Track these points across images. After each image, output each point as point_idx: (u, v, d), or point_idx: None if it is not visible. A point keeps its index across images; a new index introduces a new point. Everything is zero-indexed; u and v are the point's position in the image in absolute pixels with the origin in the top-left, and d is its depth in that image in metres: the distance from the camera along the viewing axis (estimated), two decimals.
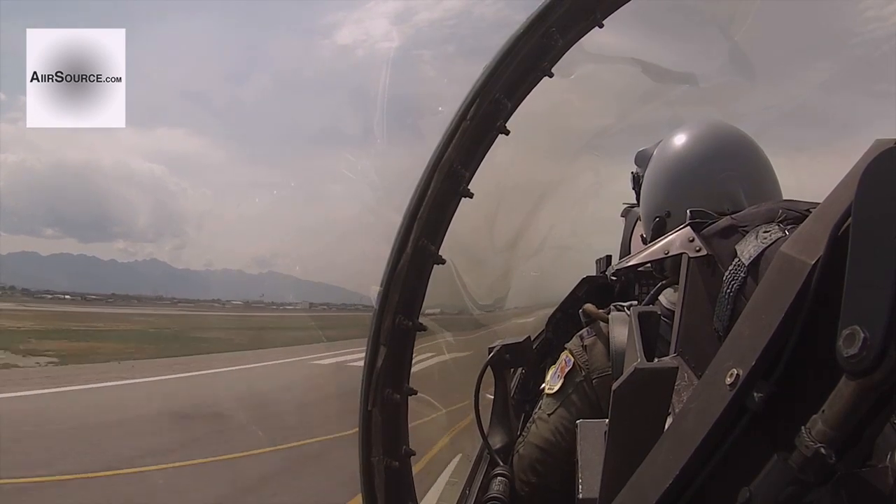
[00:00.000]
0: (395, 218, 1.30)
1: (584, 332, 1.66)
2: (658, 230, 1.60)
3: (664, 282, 1.60)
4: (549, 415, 1.60)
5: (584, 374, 1.57)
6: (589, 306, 1.70)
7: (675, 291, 1.48)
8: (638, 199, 1.93)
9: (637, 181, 2.10)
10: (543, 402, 1.66)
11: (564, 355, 1.65)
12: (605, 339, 1.57)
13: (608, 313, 1.60)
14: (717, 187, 1.52)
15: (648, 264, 1.71)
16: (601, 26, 1.23)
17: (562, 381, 1.61)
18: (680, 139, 1.64)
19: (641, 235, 1.79)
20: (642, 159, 1.91)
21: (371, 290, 1.30)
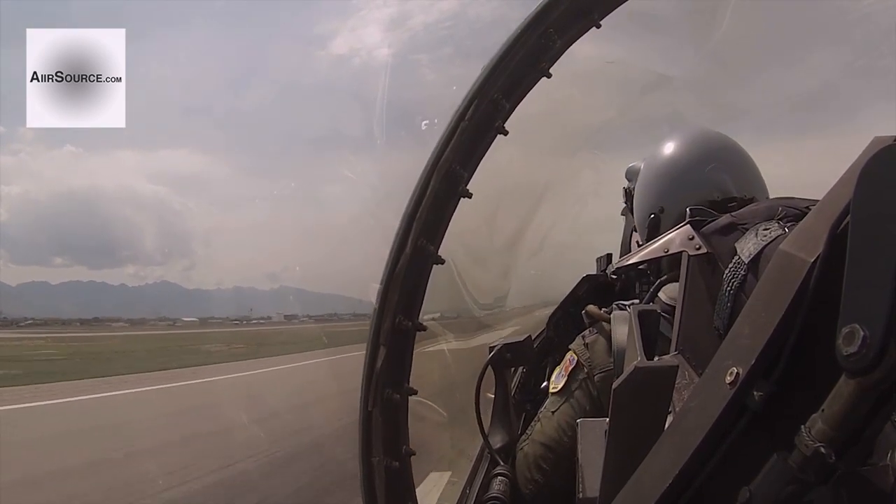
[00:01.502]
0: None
1: (586, 332, 1.69)
2: (653, 228, 1.65)
3: (663, 277, 1.61)
4: (553, 412, 1.62)
5: (586, 371, 1.59)
6: (591, 307, 1.73)
7: (675, 287, 1.49)
8: (631, 211, 1.97)
9: (629, 195, 2.13)
10: (548, 400, 1.68)
11: (569, 355, 1.68)
12: (607, 337, 1.58)
13: (610, 313, 1.62)
14: (706, 178, 1.57)
15: (646, 263, 1.73)
16: (598, 26, 1.24)
17: (566, 378, 1.63)
18: (668, 146, 1.71)
19: (637, 242, 1.82)
20: (633, 174, 1.96)
21: (370, 288, 1.30)
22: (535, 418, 1.70)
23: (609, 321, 1.60)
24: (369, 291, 1.30)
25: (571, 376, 1.63)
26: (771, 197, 1.54)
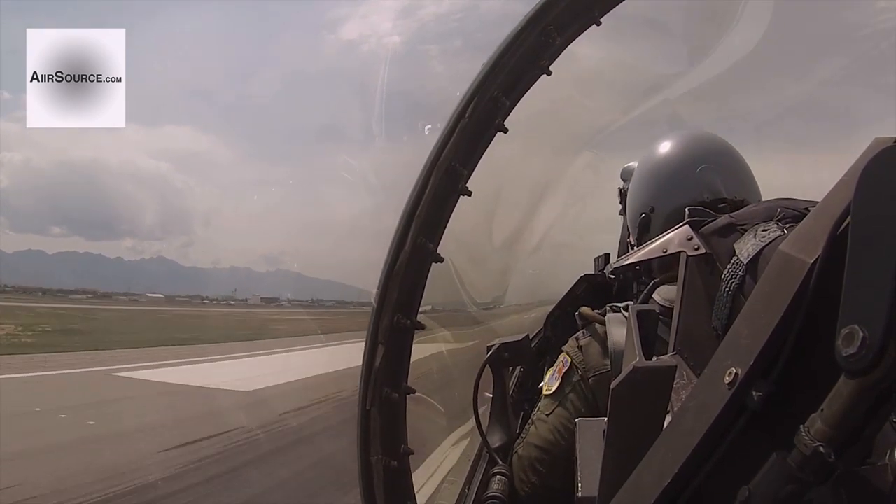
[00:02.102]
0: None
1: (579, 334, 1.69)
2: (644, 226, 1.67)
3: (657, 279, 1.61)
4: (547, 415, 1.62)
5: (580, 373, 1.59)
6: (585, 309, 1.73)
7: (670, 289, 1.49)
8: (625, 211, 1.98)
9: (623, 196, 2.15)
10: (542, 403, 1.67)
11: (561, 357, 1.68)
12: (601, 339, 1.60)
13: (603, 315, 1.62)
14: (696, 178, 1.59)
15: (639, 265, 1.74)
16: (598, 24, 1.23)
17: (559, 381, 1.63)
18: (661, 147, 1.72)
19: (629, 242, 1.82)
20: (628, 174, 1.98)
21: (373, 295, 1.30)
22: (530, 420, 1.70)
23: (602, 323, 1.61)
24: (370, 285, 1.30)
25: (565, 379, 1.63)
26: (764, 199, 1.55)
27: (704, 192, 1.54)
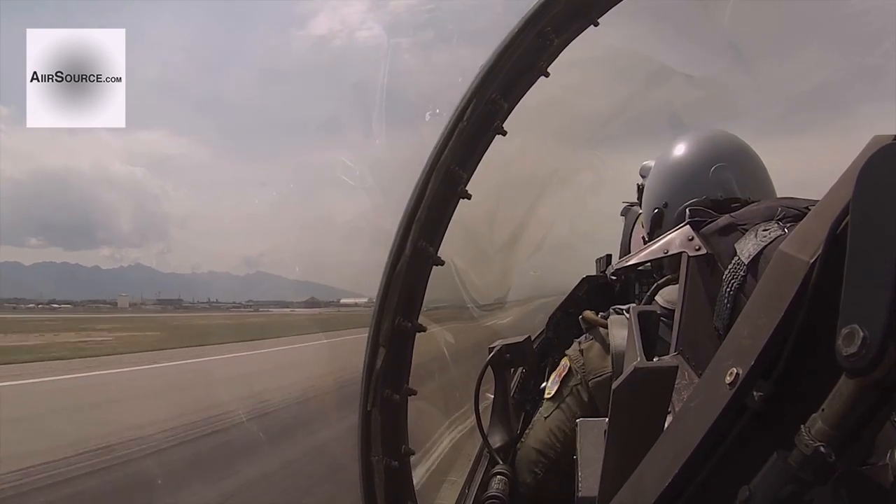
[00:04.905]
0: (395, 214, 1.29)
1: (581, 338, 1.72)
2: (656, 221, 1.69)
3: (660, 281, 1.62)
4: (545, 418, 1.67)
5: (579, 377, 1.63)
6: (588, 313, 1.77)
7: (672, 291, 1.49)
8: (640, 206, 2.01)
9: (640, 191, 2.18)
10: (542, 406, 1.73)
11: (563, 361, 1.72)
12: (602, 342, 1.62)
13: (607, 318, 1.64)
14: (710, 176, 1.59)
15: (648, 263, 1.75)
16: (596, 24, 1.23)
17: (558, 385, 1.68)
18: (679, 145, 1.74)
19: (643, 237, 1.84)
20: (646, 171, 2.00)
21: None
22: (531, 423, 1.73)
23: (605, 326, 1.63)
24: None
25: (563, 383, 1.67)
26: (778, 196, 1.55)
27: (718, 190, 1.54)
